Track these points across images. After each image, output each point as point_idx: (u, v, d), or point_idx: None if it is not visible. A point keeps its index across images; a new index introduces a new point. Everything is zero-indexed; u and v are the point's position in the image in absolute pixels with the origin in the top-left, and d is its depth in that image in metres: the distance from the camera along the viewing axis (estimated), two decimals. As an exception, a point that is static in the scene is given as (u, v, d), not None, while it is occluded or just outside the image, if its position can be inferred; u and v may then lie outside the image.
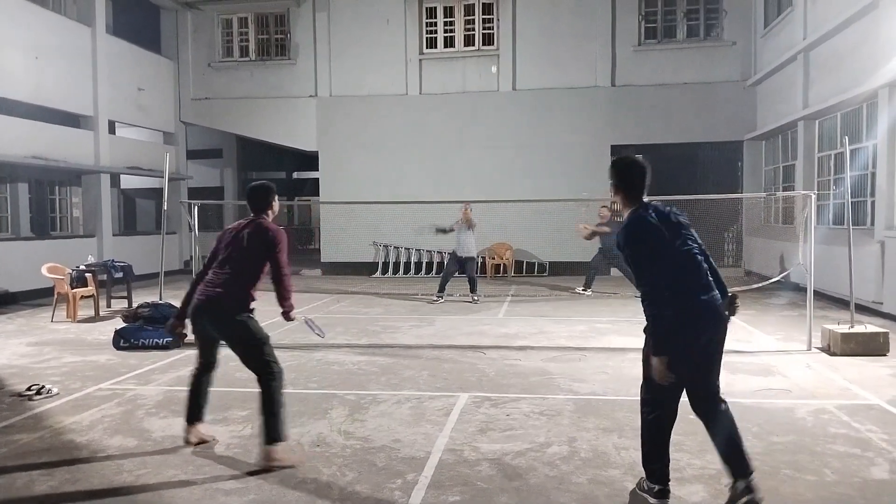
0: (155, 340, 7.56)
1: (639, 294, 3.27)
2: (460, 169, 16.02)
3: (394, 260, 16.44)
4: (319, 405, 5.33)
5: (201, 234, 8.87)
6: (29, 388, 5.71)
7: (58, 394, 5.69)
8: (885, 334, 7.03)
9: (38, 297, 11.87)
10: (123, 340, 7.64)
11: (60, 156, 13.25)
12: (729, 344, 3.45)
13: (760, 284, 10.68)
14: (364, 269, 16.43)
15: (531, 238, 15.50)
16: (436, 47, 16.54)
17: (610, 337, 8.21)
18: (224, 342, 4.21)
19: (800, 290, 11.06)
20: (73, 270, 10.31)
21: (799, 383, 5.93)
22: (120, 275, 11.10)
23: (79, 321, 9.63)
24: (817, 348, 7.26)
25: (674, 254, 3.23)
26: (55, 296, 10.09)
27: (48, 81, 13.05)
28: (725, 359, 3.42)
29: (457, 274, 11.64)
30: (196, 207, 9.03)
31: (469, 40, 16.39)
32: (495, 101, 16.12)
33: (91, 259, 11.51)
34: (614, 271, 14.02)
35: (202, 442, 4.41)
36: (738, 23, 15.23)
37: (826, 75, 11.45)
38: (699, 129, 15.46)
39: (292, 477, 3.88)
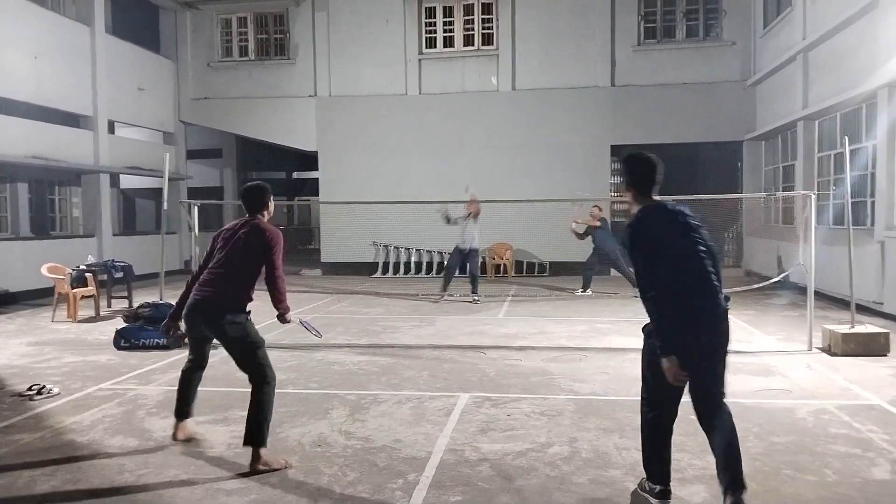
0: (155, 340, 7.56)
1: (637, 294, 3.26)
2: (460, 169, 15.99)
3: (394, 260, 16.44)
4: (320, 405, 5.33)
5: (201, 234, 8.86)
6: (30, 388, 5.71)
7: (58, 394, 5.69)
8: (886, 334, 7.03)
9: (39, 297, 11.86)
10: (124, 340, 7.64)
11: (60, 156, 13.24)
12: (729, 345, 3.44)
13: (761, 285, 10.68)
14: (364, 269, 16.42)
15: (531, 238, 15.49)
16: (435, 47, 16.54)
17: (610, 337, 8.22)
18: (219, 343, 4.20)
19: (800, 290, 11.06)
20: (73, 270, 10.31)
21: (799, 383, 5.94)
22: (120, 275, 11.10)
23: (79, 321, 9.62)
24: (818, 348, 7.26)
25: (676, 254, 3.20)
26: (55, 296, 10.09)
27: (48, 81, 13.04)
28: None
29: (457, 273, 11.68)
30: (196, 207, 9.03)
31: (468, 40, 16.39)
32: (495, 101, 16.12)
33: (91, 259, 11.50)
34: (614, 271, 14.03)
35: (190, 439, 4.43)
36: (737, 23, 15.24)
37: (825, 75, 11.45)
38: (699, 129, 15.47)
39: (293, 477, 3.88)
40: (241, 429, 3.96)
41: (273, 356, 4.33)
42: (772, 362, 6.73)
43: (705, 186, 15.58)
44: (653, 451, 3.41)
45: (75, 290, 9.89)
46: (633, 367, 6.21)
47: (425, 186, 15.70)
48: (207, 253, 4.35)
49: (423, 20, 16.52)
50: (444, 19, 16.47)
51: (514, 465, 4.03)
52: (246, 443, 3.97)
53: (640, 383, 3.48)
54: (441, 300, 11.55)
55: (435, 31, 16.54)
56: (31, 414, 5.16)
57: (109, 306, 11.05)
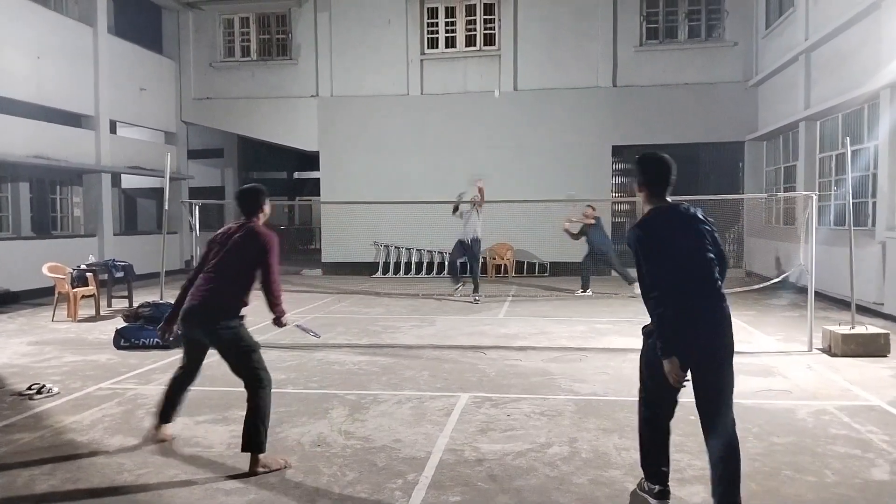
0: (155, 340, 7.54)
1: (635, 293, 3.25)
2: (461, 169, 16.00)
3: (394, 260, 16.44)
4: (320, 405, 5.33)
5: (202, 234, 8.87)
6: (30, 388, 5.71)
7: (58, 393, 5.69)
8: (886, 335, 7.03)
9: (39, 297, 11.88)
10: (124, 340, 7.65)
11: (61, 155, 13.26)
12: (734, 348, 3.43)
13: (761, 285, 10.67)
14: (364, 269, 16.43)
15: (532, 238, 15.51)
16: (437, 47, 16.54)
17: (610, 337, 8.21)
18: (213, 348, 4.16)
19: (800, 290, 11.04)
20: (73, 270, 10.32)
21: (800, 384, 5.93)
22: (121, 274, 11.11)
23: (79, 321, 9.63)
24: (818, 349, 7.25)
25: (680, 256, 3.19)
26: (56, 295, 10.10)
27: (49, 81, 13.07)
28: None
29: (459, 273, 11.77)
30: (197, 207, 9.06)
31: (470, 40, 16.39)
32: (497, 101, 16.10)
33: (92, 258, 11.52)
34: (614, 273, 14.01)
35: (162, 441, 4.43)
36: (739, 23, 15.22)
37: (827, 76, 11.44)
38: (700, 130, 15.45)
39: (293, 477, 3.88)
40: (240, 428, 3.96)
41: (273, 356, 4.34)
42: (772, 363, 6.73)
43: (707, 187, 15.60)
44: (651, 452, 3.42)
45: (76, 290, 9.90)
46: (632, 368, 6.19)
47: (426, 187, 15.69)
48: (202, 257, 4.30)
49: (426, 21, 16.52)
50: (447, 20, 16.47)
51: (514, 466, 4.03)
52: (244, 449, 3.95)
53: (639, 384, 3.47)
54: (456, 292, 11.87)
55: (437, 32, 16.53)
56: (31, 413, 5.17)
57: (110, 306, 11.06)
